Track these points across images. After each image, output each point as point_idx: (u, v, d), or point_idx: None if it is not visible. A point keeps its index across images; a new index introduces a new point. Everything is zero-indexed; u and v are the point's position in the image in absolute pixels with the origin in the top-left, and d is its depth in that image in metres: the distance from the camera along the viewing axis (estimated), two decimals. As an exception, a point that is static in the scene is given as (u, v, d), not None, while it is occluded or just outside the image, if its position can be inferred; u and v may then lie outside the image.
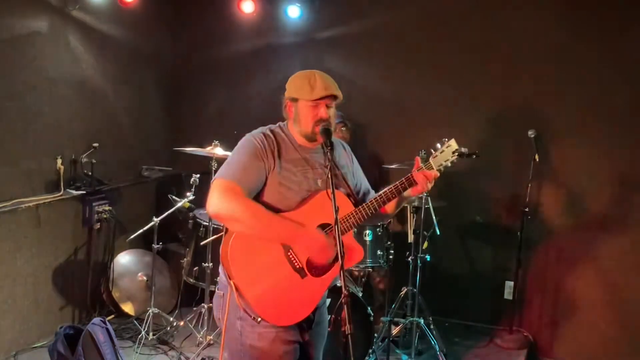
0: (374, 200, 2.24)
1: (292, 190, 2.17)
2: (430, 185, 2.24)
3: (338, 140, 2.48)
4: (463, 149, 2.26)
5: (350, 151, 2.49)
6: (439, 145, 2.26)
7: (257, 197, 2.17)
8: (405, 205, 3.46)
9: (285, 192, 2.17)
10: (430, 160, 2.25)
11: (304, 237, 2.13)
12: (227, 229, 2.18)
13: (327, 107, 2.19)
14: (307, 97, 2.18)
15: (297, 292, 2.16)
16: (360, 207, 2.24)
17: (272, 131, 2.25)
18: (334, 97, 2.20)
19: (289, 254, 2.14)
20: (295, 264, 2.15)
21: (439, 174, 2.25)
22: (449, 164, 2.26)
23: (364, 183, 2.49)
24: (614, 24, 3.99)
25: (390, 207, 2.39)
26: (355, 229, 2.28)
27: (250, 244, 2.11)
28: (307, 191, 2.20)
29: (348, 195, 2.28)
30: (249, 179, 2.12)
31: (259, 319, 2.10)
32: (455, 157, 2.25)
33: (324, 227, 2.20)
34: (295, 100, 2.22)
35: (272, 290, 2.11)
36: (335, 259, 2.16)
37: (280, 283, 2.13)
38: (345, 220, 2.22)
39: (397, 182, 2.25)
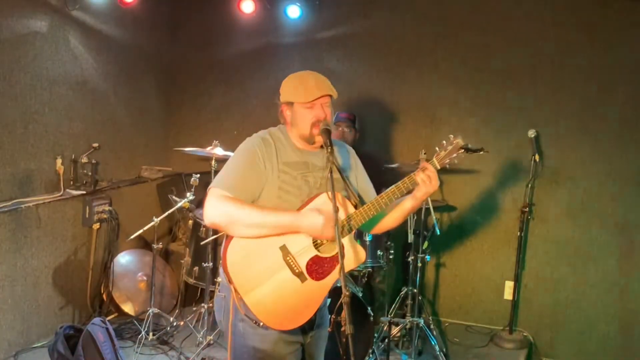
0: (375, 202, 2.19)
1: (292, 194, 2.15)
2: (435, 183, 2.18)
3: (342, 143, 2.44)
4: (470, 145, 2.25)
5: (355, 155, 2.44)
6: (444, 142, 2.25)
7: (257, 202, 2.14)
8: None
9: (285, 196, 2.14)
10: (434, 158, 2.24)
11: (307, 218, 2.06)
12: (227, 235, 2.16)
13: (323, 106, 2.17)
14: (302, 100, 2.15)
15: (298, 296, 2.13)
16: (360, 208, 2.19)
17: (270, 135, 2.22)
18: (329, 95, 2.18)
19: (288, 258, 2.11)
20: (295, 268, 2.12)
21: (438, 167, 2.22)
22: (455, 161, 2.25)
23: (368, 188, 2.41)
24: (614, 24, 3.99)
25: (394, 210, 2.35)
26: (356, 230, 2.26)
27: (249, 249, 2.08)
28: (307, 195, 2.17)
29: (349, 198, 2.24)
30: (246, 186, 2.09)
31: (261, 323, 2.09)
32: (462, 152, 2.23)
33: None
34: (290, 103, 2.19)
35: (273, 295, 2.09)
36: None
37: (280, 288, 2.10)
38: (345, 222, 2.17)
39: (399, 182, 2.21)
